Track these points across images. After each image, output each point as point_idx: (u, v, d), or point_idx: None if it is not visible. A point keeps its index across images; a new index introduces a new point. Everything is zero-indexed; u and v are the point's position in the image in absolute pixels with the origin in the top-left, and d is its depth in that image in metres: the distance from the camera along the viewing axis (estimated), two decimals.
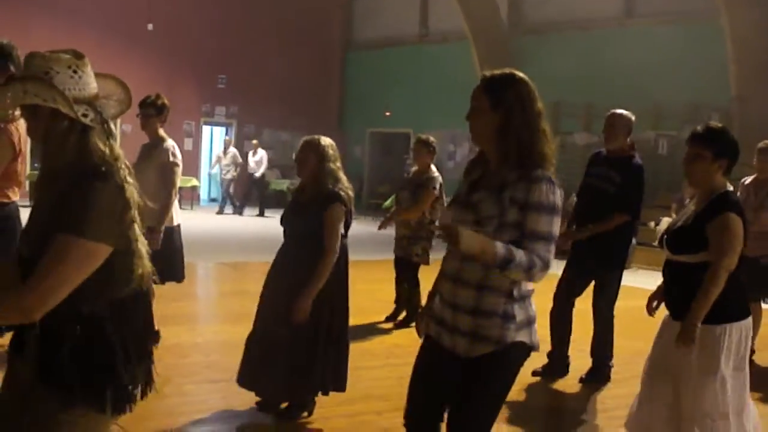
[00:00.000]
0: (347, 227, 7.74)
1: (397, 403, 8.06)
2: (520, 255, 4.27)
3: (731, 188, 6.00)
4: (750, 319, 5.92)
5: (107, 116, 3.70)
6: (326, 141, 7.84)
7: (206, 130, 34.31)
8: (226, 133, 35.12)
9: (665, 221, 22.17)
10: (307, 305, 7.26)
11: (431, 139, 12.68)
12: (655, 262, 20.58)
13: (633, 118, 9.58)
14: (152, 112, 9.61)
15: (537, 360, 9.34)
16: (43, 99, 3.48)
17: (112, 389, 3.59)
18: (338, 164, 7.79)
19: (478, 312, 4.47)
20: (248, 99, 35.07)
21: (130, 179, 3.64)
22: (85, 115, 3.57)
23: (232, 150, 31.42)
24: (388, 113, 33.89)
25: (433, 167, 12.39)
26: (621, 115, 9.44)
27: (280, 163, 36.20)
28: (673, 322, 5.90)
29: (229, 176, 30.94)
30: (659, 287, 6.35)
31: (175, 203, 9.99)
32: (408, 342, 10.47)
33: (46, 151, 3.64)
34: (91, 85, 3.66)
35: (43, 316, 3.44)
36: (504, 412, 8.42)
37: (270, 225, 26.78)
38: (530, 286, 4.59)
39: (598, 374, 9.77)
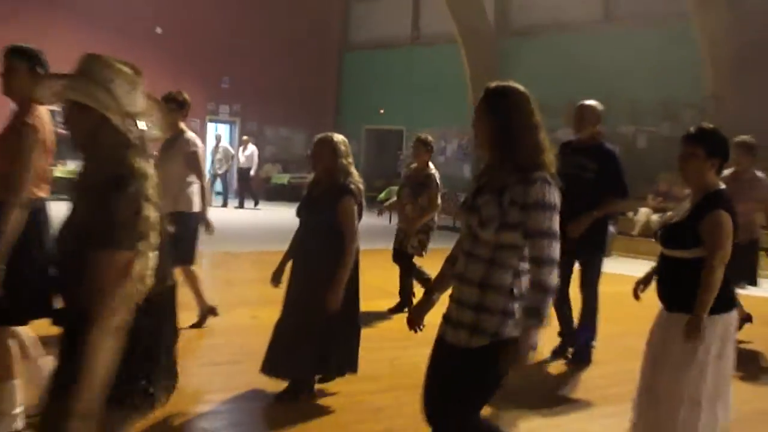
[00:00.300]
0: (359, 219, 7.77)
1: (389, 383, 8.09)
2: (533, 299, 4.41)
3: (723, 186, 5.99)
4: (735, 312, 5.90)
5: (149, 137, 3.70)
6: (339, 138, 7.85)
7: (211, 127, 34.23)
8: (230, 133, 35.11)
9: (643, 212, 22.27)
10: (338, 295, 7.37)
11: (429, 138, 12.86)
12: (633, 250, 20.66)
13: (601, 107, 9.60)
14: (174, 106, 9.60)
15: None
16: (98, 103, 3.47)
17: (146, 387, 3.59)
18: (350, 160, 7.84)
19: (480, 308, 4.51)
20: (250, 98, 35.12)
21: (154, 197, 3.58)
22: (130, 131, 3.57)
23: (223, 145, 31.30)
24: (382, 111, 33.91)
25: (430, 164, 12.50)
26: (589, 105, 9.51)
27: (281, 158, 36.38)
28: (666, 314, 5.90)
29: (221, 171, 30.80)
30: (647, 274, 6.32)
31: (199, 193, 9.94)
32: (400, 326, 10.45)
33: (88, 157, 3.62)
34: (140, 102, 3.65)
35: (80, 321, 3.41)
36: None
37: (260, 216, 26.93)
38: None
39: (582, 355, 9.79)
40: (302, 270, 7.69)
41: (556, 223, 4.43)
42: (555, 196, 4.45)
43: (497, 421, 7.43)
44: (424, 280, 12.14)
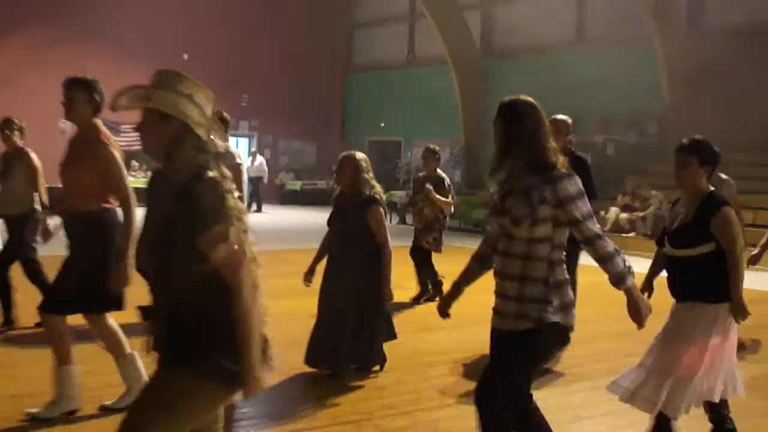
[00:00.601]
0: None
1: (390, 365, 8.13)
2: (612, 268, 4.51)
3: (733, 185, 6.02)
4: None
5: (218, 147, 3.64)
6: (360, 155, 7.98)
7: (232, 140, 34.15)
8: (249, 146, 35.11)
9: (613, 210, 22.24)
10: (389, 291, 7.73)
11: (437, 148, 12.96)
12: None
13: (570, 120, 9.67)
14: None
15: None
16: (180, 112, 3.47)
17: (230, 365, 3.49)
18: (371, 174, 7.95)
19: (522, 299, 4.56)
20: (266, 114, 35.07)
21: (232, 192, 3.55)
22: (209, 140, 3.57)
23: (260, 158, 31.24)
24: (382, 124, 33.88)
25: (438, 170, 12.56)
26: (561, 119, 9.55)
27: (293, 167, 36.46)
28: (683, 305, 5.89)
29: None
30: (646, 281, 6.29)
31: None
32: (399, 315, 10.53)
33: (166, 164, 3.55)
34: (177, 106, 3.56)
35: (175, 301, 3.46)
36: (477, 375, 8.48)
37: (274, 218, 26.90)
38: (564, 274, 4.67)
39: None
40: (338, 271, 7.82)
41: (588, 204, 4.52)
42: (579, 184, 4.54)
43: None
44: (436, 281, 12.32)
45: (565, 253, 4.70)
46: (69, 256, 6.27)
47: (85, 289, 6.14)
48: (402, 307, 11.54)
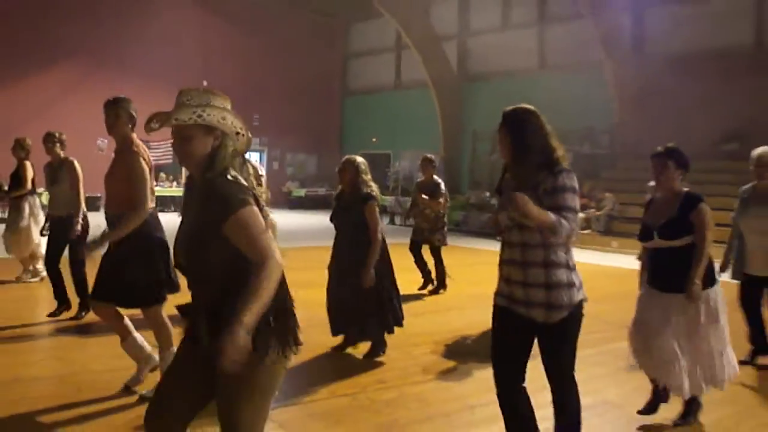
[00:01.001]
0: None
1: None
2: (562, 221, 4.22)
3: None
4: (719, 285, 5.86)
5: (240, 150, 3.59)
6: (360, 159, 8.05)
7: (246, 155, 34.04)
8: (260, 159, 35.16)
9: None
10: (370, 275, 7.59)
11: (433, 157, 13.01)
12: None
13: None
14: None
15: None
16: (223, 125, 3.44)
17: (289, 337, 3.48)
18: (369, 176, 8.00)
19: (549, 285, 4.31)
20: (275, 131, 34.99)
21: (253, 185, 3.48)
22: (238, 147, 3.54)
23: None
24: (375, 140, 33.88)
25: (435, 176, 12.58)
26: None
27: (299, 177, 36.51)
28: (664, 295, 5.72)
29: None
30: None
31: None
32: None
33: (203, 172, 3.43)
34: (224, 119, 3.51)
35: (212, 289, 3.37)
36: (456, 353, 8.44)
37: (280, 221, 26.86)
38: (575, 258, 4.51)
39: None
40: (340, 261, 7.88)
41: (577, 203, 4.36)
42: (575, 182, 4.39)
43: (454, 373, 7.48)
44: (426, 272, 12.36)
45: None
46: (114, 253, 6.15)
47: (130, 283, 6.09)
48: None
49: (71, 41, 28.51)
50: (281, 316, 3.45)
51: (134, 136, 6.37)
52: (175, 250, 3.55)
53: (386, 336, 7.95)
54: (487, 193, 26.01)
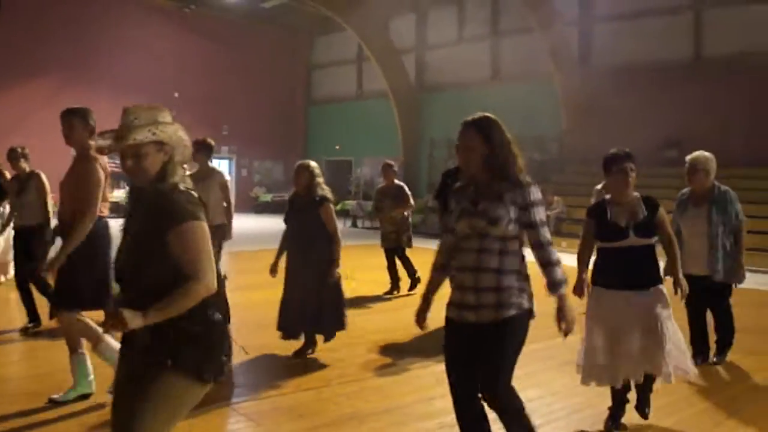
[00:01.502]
0: None
1: (342, 342, 8.10)
2: (554, 274, 4.26)
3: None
4: None
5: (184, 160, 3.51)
6: (314, 164, 7.99)
7: (215, 162, 33.94)
8: (229, 166, 35.03)
9: None
10: (335, 273, 7.66)
11: (393, 162, 12.92)
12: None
13: None
14: (205, 148, 9.59)
15: None
16: (171, 139, 3.38)
17: (211, 361, 3.36)
18: (322, 179, 7.93)
19: (499, 289, 4.20)
20: (243, 140, 34.96)
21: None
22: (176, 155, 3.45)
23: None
24: (337, 147, 33.87)
25: (396, 180, 12.58)
26: None
27: (265, 183, 36.44)
28: (632, 294, 5.52)
29: None
30: (582, 276, 5.91)
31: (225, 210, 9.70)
32: (353, 300, 10.52)
33: (159, 177, 3.36)
34: (175, 134, 3.44)
35: (149, 299, 3.15)
36: (414, 349, 8.50)
37: (240, 225, 26.77)
38: (527, 269, 4.37)
39: None
40: (299, 260, 7.77)
41: (544, 213, 4.32)
42: (540, 193, 4.32)
43: (412, 367, 7.53)
44: (396, 278, 12.31)
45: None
46: (70, 259, 5.93)
47: (68, 287, 5.96)
48: (352, 293, 11.54)
49: (48, 55, 28.29)
50: (206, 342, 3.35)
51: (92, 143, 6.06)
52: (117, 263, 3.45)
53: (347, 332, 7.98)
54: None
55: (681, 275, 5.78)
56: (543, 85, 25.00)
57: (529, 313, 4.31)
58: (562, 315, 4.28)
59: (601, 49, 24.59)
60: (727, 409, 6.23)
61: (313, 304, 7.64)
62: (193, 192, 3.40)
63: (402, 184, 12.47)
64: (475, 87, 27.90)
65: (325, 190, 7.82)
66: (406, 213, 12.27)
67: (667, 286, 5.67)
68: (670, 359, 5.42)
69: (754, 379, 7.19)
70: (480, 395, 4.31)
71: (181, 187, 3.38)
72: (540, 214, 4.28)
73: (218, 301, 3.39)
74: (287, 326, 7.77)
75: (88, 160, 6.06)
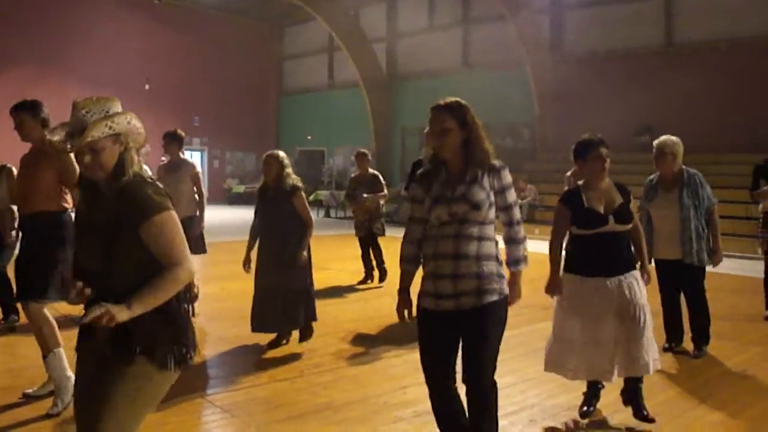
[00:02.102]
0: None
1: (317, 332, 8.11)
2: (518, 250, 4.38)
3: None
4: None
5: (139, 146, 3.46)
6: (283, 154, 7.96)
7: (187, 154, 33.78)
8: (201, 157, 34.90)
9: None
10: (302, 258, 7.65)
11: (367, 151, 12.92)
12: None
13: None
14: (175, 140, 9.58)
15: None
16: (125, 131, 3.33)
17: (175, 350, 3.32)
18: (290, 169, 7.89)
19: (480, 275, 4.14)
20: (215, 131, 34.92)
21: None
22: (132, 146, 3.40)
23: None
24: (310, 137, 33.84)
25: (370, 169, 12.56)
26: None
27: (238, 174, 36.35)
28: (608, 280, 5.42)
29: None
30: (557, 274, 5.67)
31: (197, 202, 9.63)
32: (328, 290, 10.51)
33: (118, 170, 3.30)
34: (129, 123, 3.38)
35: (122, 292, 3.13)
36: (389, 338, 8.51)
37: (214, 216, 26.70)
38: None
39: None
40: (271, 250, 7.70)
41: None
42: (510, 176, 4.34)
43: (387, 356, 7.54)
44: (369, 268, 12.31)
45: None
46: (36, 251, 5.92)
47: (28, 272, 5.90)
48: (326, 283, 11.55)
49: (16, 49, 28.10)
50: (170, 331, 3.33)
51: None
52: (79, 258, 3.41)
53: (321, 322, 7.99)
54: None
55: (647, 262, 5.78)
56: (515, 73, 25.06)
57: (507, 299, 4.30)
58: (512, 290, 4.35)
59: (572, 36, 24.69)
60: (700, 393, 6.28)
61: (289, 297, 7.61)
62: (157, 182, 3.38)
63: (376, 173, 12.46)
64: (447, 75, 27.95)
65: (296, 180, 7.80)
66: (382, 202, 12.25)
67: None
68: (649, 348, 5.40)
69: (727, 364, 7.25)
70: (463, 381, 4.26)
71: (145, 175, 3.36)
72: (513, 196, 4.31)
73: (182, 291, 3.37)
74: (262, 324, 7.72)
75: (48, 153, 5.86)
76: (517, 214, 4.35)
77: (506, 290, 4.27)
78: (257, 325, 7.72)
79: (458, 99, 4.40)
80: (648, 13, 22.77)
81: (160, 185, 3.37)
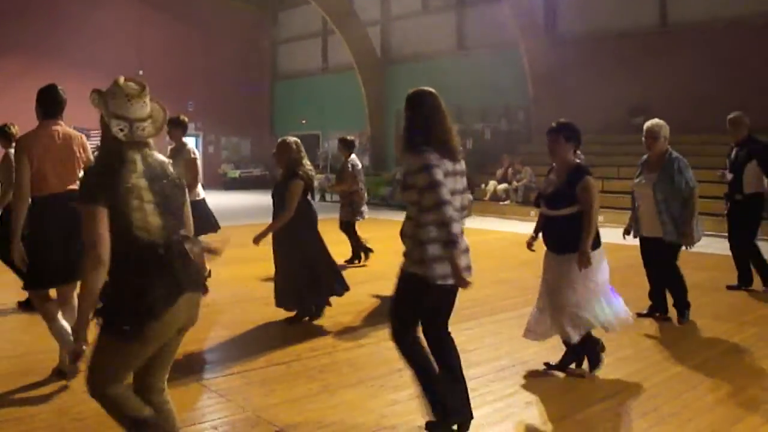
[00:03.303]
0: (312, 195, 8.15)
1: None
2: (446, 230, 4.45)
3: (580, 161, 6.13)
4: (601, 248, 6.06)
5: (143, 135, 3.68)
6: (292, 139, 8.17)
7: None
8: (196, 143, 34.92)
9: (491, 183, 22.47)
10: (260, 236, 7.78)
11: (348, 138, 12.89)
12: (484, 210, 20.85)
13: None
14: (178, 126, 9.73)
15: None
16: (103, 110, 3.61)
17: (130, 321, 3.50)
18: (302, 155, 8.06)
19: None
20: (209, 116, 34.81)
21: (139, 171, 3.57)
22: (121, 130, 3.58)
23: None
24: (304, 121, 33.77)
25: (353, 156, 12.61)
26: None
27: (233, 159, 36.35)
28: (558, 256, 6.06)
29: None
30: (532, 236, 6.47)
31: (200, 186, 9.97)
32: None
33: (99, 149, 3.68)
34: (139, 110, 3.65)
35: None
36: (384, 321, 8.49)
37: (210, 202, 26.66)
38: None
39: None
40: (279, 235, 7.91)
41: (426, 180, 4.39)
42: (424, 161, 4.40)
43: (382, 339, 7.55)
44: (359, 247, 12.46)
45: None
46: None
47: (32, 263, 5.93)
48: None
49: (11, 36, 28.04)
50: (126, 303, 3.53)
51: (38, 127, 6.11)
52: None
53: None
54: None
55: (587, 248, 5.86)
56: (509, 55, 24.96)
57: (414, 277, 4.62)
58: (453, 272, 4.49)
59: (566, 17, 24.59)
60: (697, 374, 6.30)
61: (303, 277, 7.85)
62: (129, 160, 3.59)
63: (352, 162, 12.49)
64: (441, 57, 27.90)
65: (303, 167, 7.96)
66: (349, 190, 12.32)
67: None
68: (569, 320, 5.97)
69: (723, 345, 7.30)
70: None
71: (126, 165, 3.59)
72: (419, 180, 4.40)
73: (148, 266, 3.54)
74: (285, 301, 7.99)
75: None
76: (431, 198, 4.42)
77: (409, 269, 4.65)
78: (281, 303, 8.01)
79: (417, 88, 4.74)
80: None
81: (130, 173, 3.55)
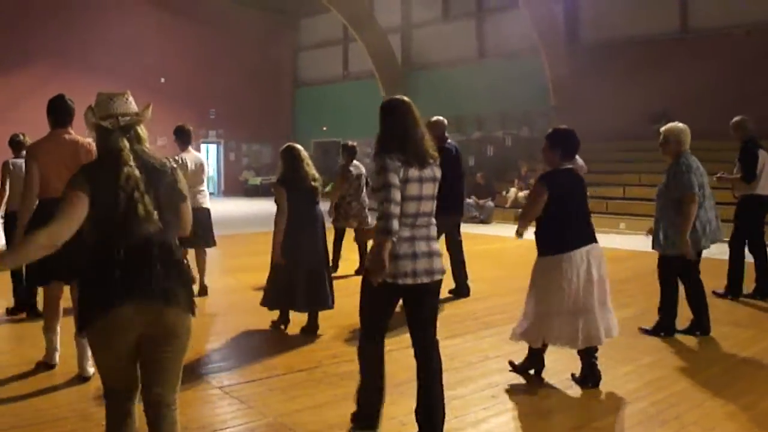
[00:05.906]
0: (315, 202, 8.01)
1: (333, 323, 8.11)
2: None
3: (565, 167, 6.13)
4: (571, 253, 5.96)
5: (128, 122, 3.74)
6: (290, 145, 8.11)
7: (203, 147, 33.90)
8: (217, 150, 35.08)
9: (512, 191, 22.42)
10: (276, 251, 7.71)
11: (349, 143, 12.99)
12: (508, 218, 20.79)
13: (445, 120, 9.90)
14: (183, 134, 9.85)
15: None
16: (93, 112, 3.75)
17: (85, 315, 3.64)
18: (305, 161, 7.95)
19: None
20: (230, 124, 34.92)
21: (131, 163, 3.59)
22: (110, 124, 3.70)
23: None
24: (324, 128, 33.82)
25: (355, 161, 12.54)
26: (439, 119, 9.64)
27: (254, 166, 36.39)
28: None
29: None
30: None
31: (207, 194, 10.03)
32: (344, 282, 10.49)
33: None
34: (122, 106, 3.77)
35: None
36: (403, 328, 8.49)
37: (231, 208, 26.67)
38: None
39: (461, 290, 9.93)
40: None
41: (380, 181, 4.58)
42: (379, 163, 4.66)
43: (402, 345, 7.56)
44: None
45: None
46: None
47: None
48: (339, 273, 11.55)
49: (37, 44, 28.27)
50: (84, 298, 3.69)
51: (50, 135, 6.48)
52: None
53: (336, 312, 8.00)
54: None
55: (519, 227, 6.26)
56: (530, 62, 24.93)
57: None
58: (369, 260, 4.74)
59: (587, 24, 24.59)
60: (719, 383, 6.27)
61: (315, 282, 7.79)
62: (120, 151, 3.64)
63: (342, 165, 12.40)
64: (462, 65, 27.91)
65: (300, 173, 7.86)
66: (340, 194, 12.21)
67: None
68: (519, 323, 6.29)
69: (744, 353, 7.23)
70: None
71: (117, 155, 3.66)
72: (376, 182, 4.60)
73: (107, 263, 3.55)
74: (264, 301, 8.02)
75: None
76: (377, 198, 4.60)
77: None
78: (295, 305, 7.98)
79: (392, 97, 5.21)
80: None
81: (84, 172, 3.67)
